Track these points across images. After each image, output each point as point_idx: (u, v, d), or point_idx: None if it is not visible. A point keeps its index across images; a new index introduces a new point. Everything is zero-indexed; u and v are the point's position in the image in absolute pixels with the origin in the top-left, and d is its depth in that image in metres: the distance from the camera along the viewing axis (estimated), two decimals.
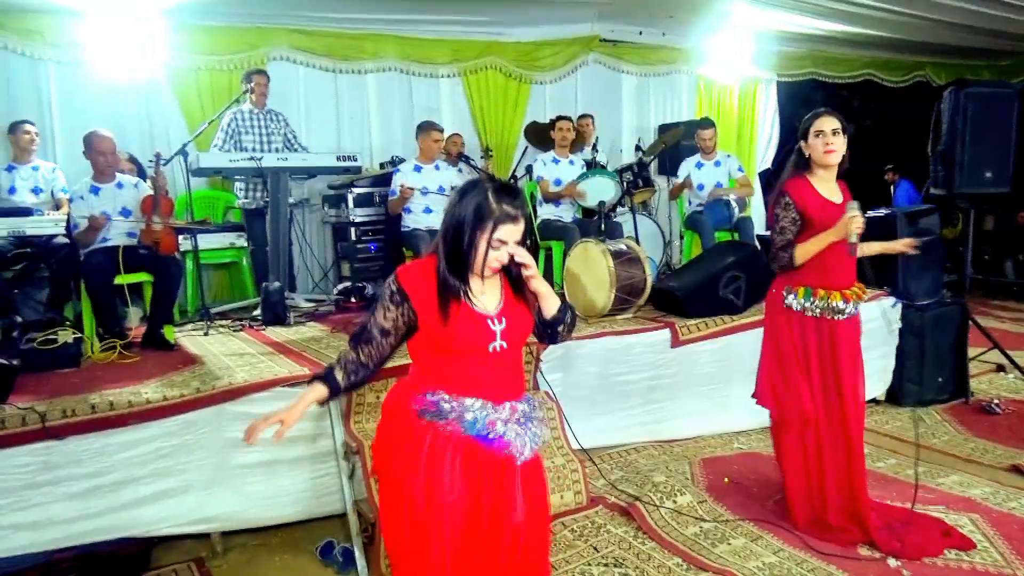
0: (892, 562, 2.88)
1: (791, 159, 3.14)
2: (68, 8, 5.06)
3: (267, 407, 3.21)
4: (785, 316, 3.09)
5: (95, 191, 4.27)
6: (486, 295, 1.94)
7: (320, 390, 1.95)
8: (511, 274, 1.98)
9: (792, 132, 3.13)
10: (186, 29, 5.54)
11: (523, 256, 1.89)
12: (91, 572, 2.98)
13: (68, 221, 4.12)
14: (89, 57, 5.23)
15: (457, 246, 1.84)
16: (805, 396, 3.04)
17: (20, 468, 2.81)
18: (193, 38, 5.62)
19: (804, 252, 2.96)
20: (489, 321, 1.90)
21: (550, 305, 1.99)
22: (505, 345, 1.91)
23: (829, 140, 2.93)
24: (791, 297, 3.06)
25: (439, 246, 1.90)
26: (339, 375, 1.96)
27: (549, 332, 2.05)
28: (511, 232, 1.85)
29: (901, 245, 3.20)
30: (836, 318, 3.02)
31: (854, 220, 2.86)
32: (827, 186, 3.01)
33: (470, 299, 1.89)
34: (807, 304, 3.02)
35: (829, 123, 2.95)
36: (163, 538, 3.22)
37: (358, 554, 3.08)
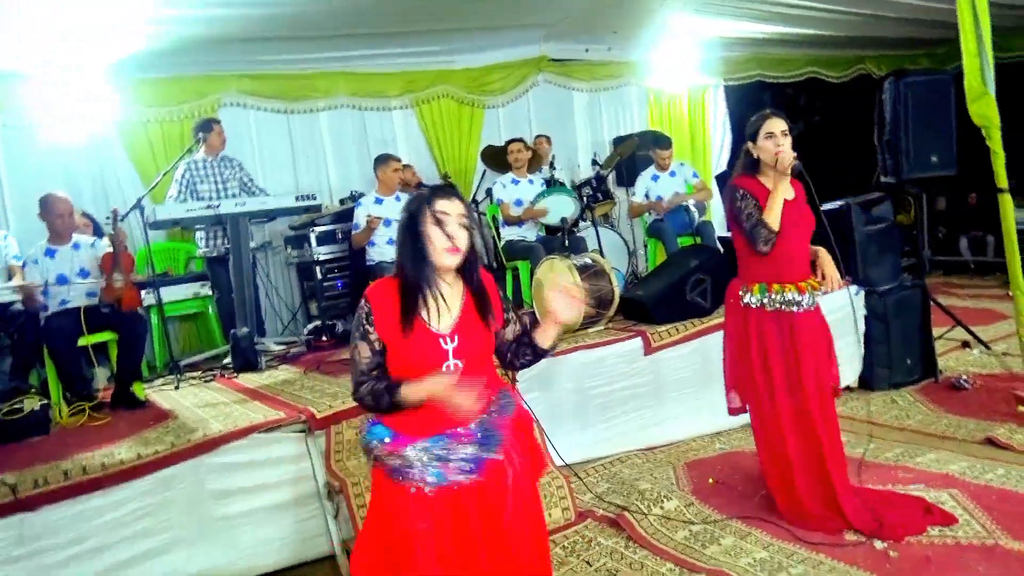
0: (878, 544, 2.92)
1: (739, 161, 3.22)
2: (12, 71, 5.01)
3: (245, 456, 3.20)
4: (743, 314, 3.14)
5: (50, 254, 4.21)
6: (443, 312, 1.94)
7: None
8: (475, 292, 2.00)
9: (744, 134, 3.23)
10: (132, 83, 5.52)
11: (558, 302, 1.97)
12: None
13: None
14: (37, 119, 5.18)
15: (412, 243, 1.90)
16: (761, 392, 3.10)
17: None
18: (140, 91, 5.60)
19: (770, 216, 3.01)
20: (440, 340, 1.91)
21: (551, 336, 2.04)
22: (460, 364, 1.91)
23: (779, 142, 3.02)
24: (748, 296, 3.12)
25: (398, 257, 1.94)
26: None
27: (521, 360, 2.10)
28: (449, 205, 1.91)
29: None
30: (794, 310, 3.08)
31: (780, 153, 2.95)
32: (773, 183, 3.08)
33: (427, 315, 1.90)
34: (764, 300, 3.08)
35: (778, 125, 3.05)
36: None
37: None
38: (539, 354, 2.09)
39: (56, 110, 5.15)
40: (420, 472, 1.89)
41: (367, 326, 1.91)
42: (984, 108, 3.95)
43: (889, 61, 9.31)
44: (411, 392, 1.85)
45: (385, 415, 1.95)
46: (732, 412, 3.35)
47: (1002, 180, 4.02)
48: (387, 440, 1.91)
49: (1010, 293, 6.65)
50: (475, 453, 1.93)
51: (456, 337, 1.92)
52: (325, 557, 3.32)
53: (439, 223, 1.89)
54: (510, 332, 2.11)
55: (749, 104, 9.11)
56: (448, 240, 1.89)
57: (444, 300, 1.95)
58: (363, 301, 1.94)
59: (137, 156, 5.70)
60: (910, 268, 6.48)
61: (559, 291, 2.00)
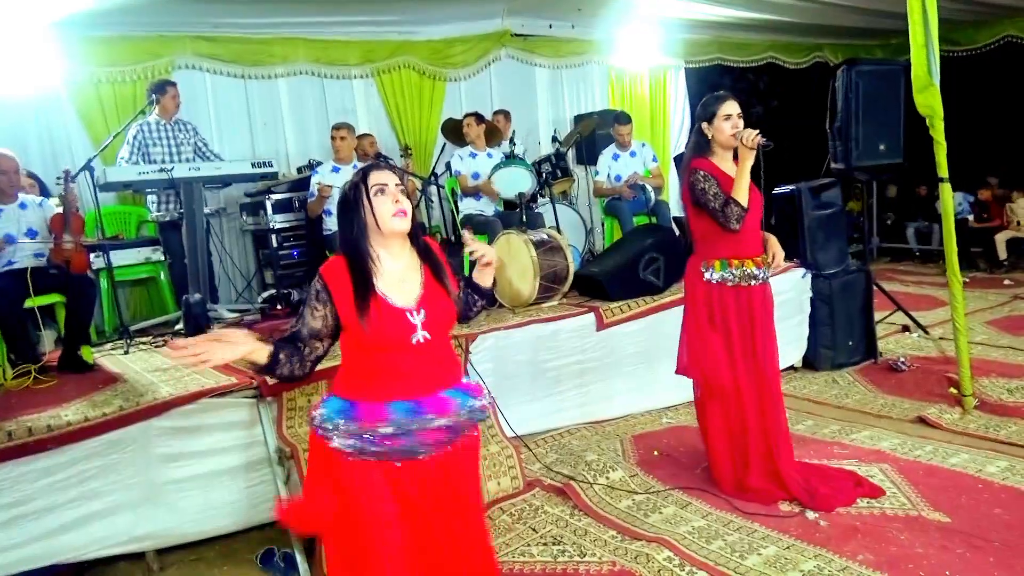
0: (810, 514, 3.06)
1: (693, 140, 3.28)
2: None
3: (195, 420, 3.20)
4: (705, 289, 3.23)
5: None
6: (405, 284, 1.97)
7: (264, 350, 1.84)
8: (432, 263, 2.03)
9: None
10: (81, 41, 5.35)
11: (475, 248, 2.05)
12: None
13: None
14: None
15: (355, 220, 1.95)
16: (724, 365, 3.19)
17: None
18: (89, 50, 5.43)
19: (740, 194, 3.08)
20: (408, 314, 1.93)
21: (489, 276, 2.14)
22: (428, 336, 1.94)
23: (736, 123, 3.10)
24: (708, 272, 3.21)
25: (341, 239, 1.98)
26: (282, 353, 1.89)
27: (474, 307, 2.18)
28: (383, 176, 1.96)
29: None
30: (751, 284, 3.19)
31: (748, 138, 3.04)
32: (728, 165, 3.16)
33: (387, 290, 1.93)
34: (726, 275, 3.18)
35: (734, 107, 3.14)
36: (95, 562, 3.14)
37: (300, 558, 3.08)
38: (485, 295, 2.17)
39: (1, 65, 4.97)
40: (390, 445, 1.90)
41: (316, 304, 1.93)
42: (929, 99, 4.08)
43: (845, 50, 9.50)
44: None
45: (338, 387, 1.97)
46: (698, 393, 3.43)
47: (943, 169, 4.16)
48: (354, 411, 1.91)
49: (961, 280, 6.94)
50: (448, 426, 1.95)
51: (422, 310, 1.95)
52: (274, 522, 3.34)
53: (381, 191, 1.94)
54: (460, 289, 2.16)
55: (709, 87, 9.20)
56: (394, 204, 1.93)
57: (400, 274, 1.98)
58: (317, 278, 1.95)
59: (87, 116, 5.54)
60: (858, 253, 6.69)
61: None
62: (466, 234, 2.21)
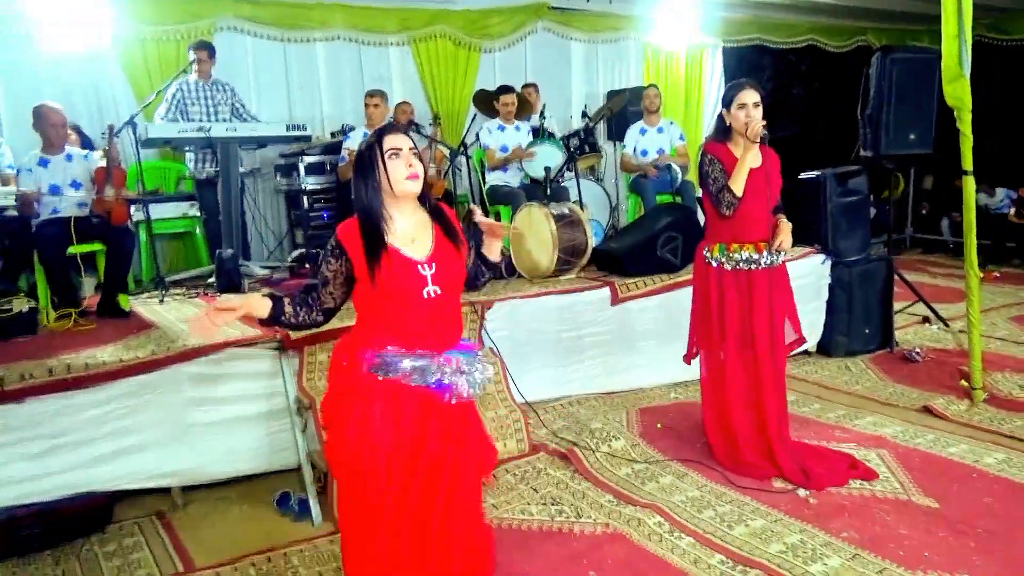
0: (802, 492, 3.17)
1: (715, 125, 3.36)
2: None
3: (222, 368, 3.39)
4: (704, 272, 3.34)
5: (44, 163, 4.31)
6: (417, 242, 2.08)
7: (264, 303, 2.03)
8: (443, 221, 2.15)
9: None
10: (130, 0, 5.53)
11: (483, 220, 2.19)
12: (54, 528, 3.11)
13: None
14: (34, 29, 5.21)
15: (369, 181, 2.04)
16: (717, 346, 3.30)
17: None
18: (138, 8, 5.61)
19: (736, 183, 3.17)
20: (419, 267, 2.04)
21: (497, 248, 2.25)
22: (439, 290, 2.05)
23: (750, 113, 3.15)
24: (708, 255, 3.32)
25: (356, 198, 2.07)
26: (286, 302, 2.07)
27: (482, 278, 2.31)
28: (397, 140, 2.04)
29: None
30: (752, 268, 3.27)
31: (751, 127, 3.12)
32: (743, 151, 3.22)
33: (395, 244, 2.04)
34: (723, 259, 3.27)
35: (751, 96, 3.18)
36: (124, 494, 3.36)
37: (312, 502, 3.27)
38: (493, 267, 2.32)
39: (53, 21, 5.17)
40: (405, 368, 2.03)
41: (329, 258, 2.07)
42: (958, 90, 4.08)
43: (890, 35, 9.33)
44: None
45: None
46: (687, 359, 3.58)
47: (967, 162, 4.16)
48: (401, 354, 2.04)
49: (981, 275, 6.91)
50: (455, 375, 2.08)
51: (433, 264, 2.05)
52: (291, 468, 3.54)
53: (396, 155, 2.03)
54: (470, 257, 2.27)
55: (749, 67, 9.15)
56: (407, 168, 2.03)
57: (412, 231, 2.09)
58: (333, 236, 2.08)
59: (132, 73, 5.74)
60: (894, 243, 6.63)
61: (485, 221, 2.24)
62: (475, 210, 2.34)
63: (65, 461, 3.09)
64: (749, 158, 3.17)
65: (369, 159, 2.05)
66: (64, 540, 3.11)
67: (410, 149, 2.05)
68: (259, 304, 2.03)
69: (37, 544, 3.06)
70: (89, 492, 3.16)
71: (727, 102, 3.23)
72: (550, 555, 2.81)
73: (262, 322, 2.08)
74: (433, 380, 2.05)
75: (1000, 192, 9.01)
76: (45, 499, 3.05)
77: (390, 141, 2.05)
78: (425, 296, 2.03)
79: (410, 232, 2.09)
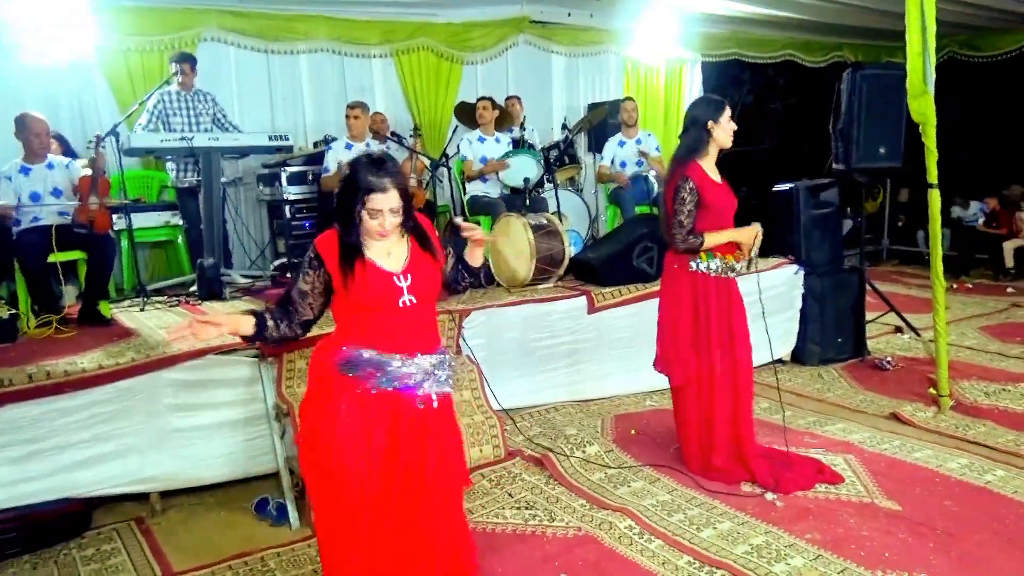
0: (769, 496, 3.25)
1: (693, 138, 3.38)
2: None
3: (202, 374, 3.43)
4: (689, 279, 3.39)
5: (25, 172, 4.33)
6: (392, 255, 2.15)
7: (248, 320, 2.07)
8: (418, 233, 2.22)
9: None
10: (114, 10, 5.58)
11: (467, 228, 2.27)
12: (32, 533, 3.14)
13: None
14: (17, 39, 5.24)
15: (345, 214, 2.08)
16: (689, 355, 3.40)
17: None
18: (121, 19, 5.66)
19: (712, 241, 3.31)
20: (395, 278, 2.11)
21: (479, 256, 2.38)
22: (415, 300, 2.12)
23: (734, 126, 3.31)
24: (695, 262, 3.37)
25: (337, 205, 2.12)
26: (267, 317, 2.11)
27: (463, 283, 2.40)
28: (381, 201, 2.05)
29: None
30: (731, 276, 3.39)
31: (757, 237, 3.31)
32: (711, 167, 3.37)
33: (371, 257, 2.10)
34: (712, 265, 3.36)
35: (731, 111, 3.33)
36: (103, 500, 3.40)
37: (290, 507, 3.32)
38: (474, 273, 2.40)
39: (36, 31, 5.21)
40: (375, 367, 2.09)
41: (307, 270, 2.12)
42: (923, 106, 4.20)
43: (865, 50, 9.53)
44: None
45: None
46: (673, 383, 3.62)
47: (932, 176, 4.28)
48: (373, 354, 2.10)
49: (953, 285, 7.03)
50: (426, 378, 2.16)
51: (409, 276, 2.12)
52: (269, 474, 3.58)
53: (374, 216, 2.06)
54: (449, 263, 2.35)
55: (728, 81, 9.31)
56: (380, 227, 2.07)
57: (387, 247, 2.14)
58: (312, 247, 2.13)
59: (115, 83, 5.78)
60: (870, 254, 6.75)
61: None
62: (459, 219, 2.42)
63: (45, 466, 3.12)
64: (729, 237, 3.33)
65: (352, 200, 2.06)
66: (42, 545, 3.15)
67: (391, 210, 2.07)
68: (243, 321, 2.07)
69: (15, 549, 3.09)
70: (69, 497, 3.19)
71: (716, 116, 3.31)
72: (522, 557, 2.87)
73: (245, 339, 2.12)
74: (397, 383, 2.10)
75: (973, 205, 9.21)
76: (25, 503, 3.08)
77: (372, 202, 2.05)
78: (401, 305, 2.10)
79: (385, 246, 2.15)
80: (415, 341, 2.15)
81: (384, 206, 2.06)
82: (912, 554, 2.76)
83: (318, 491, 2.20)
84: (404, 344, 2.13)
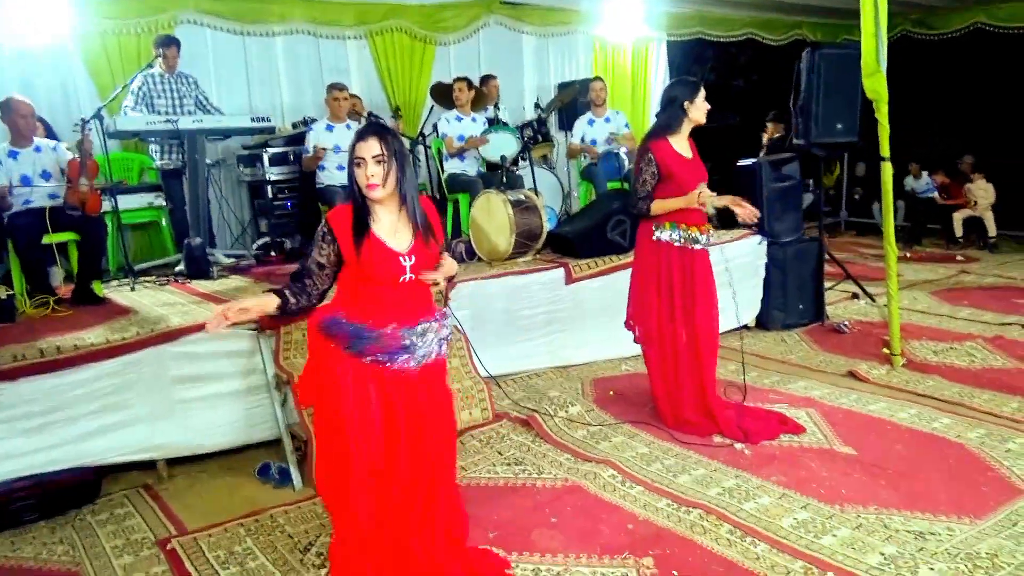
0: (738, 446, 3.54)
1: (668, 115, 3.63)
2: None
3: (204, 347, 3.61)
4: (653, 247, 3.67)
5: (13, 155, 4.42)
6: (399, 235, 2.33)
7: (272, 299, 2.24)
8: (421, 225, 2.39)
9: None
10: None
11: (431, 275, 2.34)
12: (47, 500, 3.29)
13: None
14: None
15: (350, 179, 2.29)
16: (653, 317, 3.69)
17: None
18: (99, 3, 5.68)
19: (659, 207, 3.58)
20: (400, 257, 2.30)
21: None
22: (413, 277, 2.32)
23: (707, 106, 3.57)
24: (660, 231, 3.64)
25: (349, 184, 2.30)
26: (288, 293, 2.29)
27: None
28: (363, 147, 2.23)
29: (743, 211, 3.64)
30: (694, 247, 3.64)
31: (701, 196, 3.51)
32: (682, 143, 3.61)
33: (384, 235, 2.28)
34: (674, 235, 3.61)
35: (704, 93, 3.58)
36: (111, 469, 3.56)
37: (293, 470, 3.52)
38: None
39: (12, 15, 5.23)
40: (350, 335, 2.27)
41: (321, 244, 2.29)
42: (876, 84, 4.48)
43: (824, 29, 9.83)
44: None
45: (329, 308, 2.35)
46: (637, 340, 3.90)
47: (884, 150, 4.58)
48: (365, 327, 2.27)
49: (907, 254, 7.41)
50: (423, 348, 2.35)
51: (413, 256, 2.32)
52: (269, 441, 3.78)
53: (358, 164, 2.25)
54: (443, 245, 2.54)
55: (692, 59, 9.57)
56: (367, 177, 2.24)
57: (393, 226, 2.33)
58: (324, 222, 2.31)
59: (94, 67, 5.83)
60: (828, 226, 7.05)
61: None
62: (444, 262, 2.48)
63: (57, 436, 3.28)
64: (679, 204, 3.57)
65: (351, 160, 2.27)
66: (57, 512, 3.30)
67: (373, 157, 2.23)
68: (268, 302, 2.25)
69: (32, 515, 3.24)
70: (80, 465, 3.35)
71: (692, 95, 3.56)
72: (515, 506, 3.11)
73: (271, 317, 2.29)
74: (368, 356, 2.28)
75: (926, 177, 9.62)
76: (39, 472, 3.23)
77: (357, 150, 2.24)
78: (401, 281, 2.30)
79: (391, 227, 2.33)
80: (410, 311, 2.34)
81: (366, 153, 2.22)
82: (867, 490, 3.07)
83: (327, 447, 2.38)
84: (399, 316, 2.31)
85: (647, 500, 3.08)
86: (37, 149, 4.52)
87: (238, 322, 2.20)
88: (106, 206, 4.99)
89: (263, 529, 3.08)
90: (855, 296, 6.49)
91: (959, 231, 9.02)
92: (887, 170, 4.65)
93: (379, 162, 2.23)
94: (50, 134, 5.26)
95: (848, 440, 3.57)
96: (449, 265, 2.44)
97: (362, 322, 2.29)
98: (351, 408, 2.29)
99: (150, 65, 5.32)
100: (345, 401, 2.29)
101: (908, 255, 8.37)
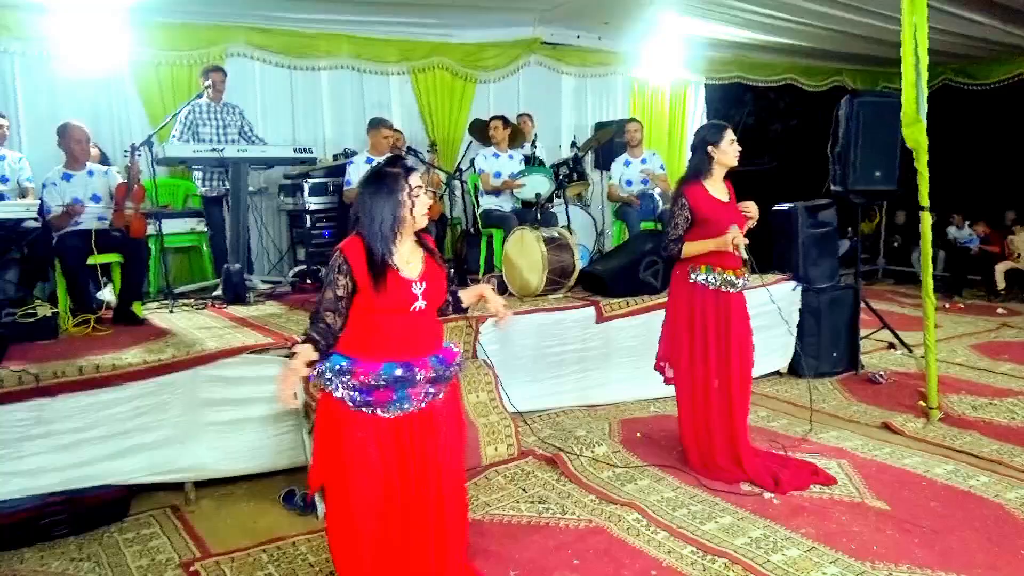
0: (767, 494, 3.48)
1: (696, 160, 3.67)
2: (34, 3, 5.33)
3: (236, 372, 3.66)
4: (689, 289, 3.66)
5: (67, 178, 4.59)
6: (411, 263, 2.36)
7: (308, 348, 2.28)
8: (429, 249, 2.44)
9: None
10: (147, 26, 5.85)
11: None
12: (78, 516, 3.34)
13: (41, 206, 4.46)
14: (55, 51, 5.52)
15: (385, 207, 2.28)
16: (685, 359, 3.66)
17: (16, 422, 3.20)
18: (154, 34, 5.93)
19: (690, 250, 3.58)
20: (413, 285, 2.33)
21: (471, 299, 2.63)
22: (424, 305, 2.35)
23: (737, 148, 3.56)
24: (695, 274, 3.63)
25: (362, 224, 2.30)
26: (316, 336, 2.31)
27: (448, 311, 2.62)
28: (420, 178, 2.35)
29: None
30: (730, 291, 3.63)
31: (736, 238, 3.49)
32: (718, 187, 3.61)
33: (395, 265, 2.30)
34: (709, 278, 3.61)
35: (733, 134, 3.60)
36: (141, 488, 3.61)
37: (318, 499, 3.53)
38: (462, 310, 2.64)
39: (73, 44, 5.48)
40: (381, 399, 2.29)
41: (338, 275, 2.29)
42: (916, 133, 4.45)
43: (864, 76, 9.82)
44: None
45: (339, 346, 2.35)
46: (667, 381, 3.87)
47: (924, 199, 4.54)
48: (351, 365, 2.29)
49: (946, 305, 7.29)
50: (429, 384, 2.36)
51: (424, 282, 2.35)
52: (295, 468, 3.80)
53: (419, 194, 2.32)
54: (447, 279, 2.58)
55: (730, 103, 9.58)
56: (425, 206, 2.34)
57: (407, 254, 2.36)
58: (338, 253, 2.31)
59: (146, 95, 6.05)
60: (865, 274, 6.97)
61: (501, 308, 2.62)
62: (494, 295, 2.65)
63: (91, 453, 3.34)
64: (709, 247, 3.56)
65: (393, 190, 2.29)
66: (86, 528, 3.34)
67: (428, 187, 2.38)
68: (306, 352, 2.29)
69: (63, 530, 3.29)
70: (111, 484, 3.41)
71: (717, 139, 3.59)
72: (537, 545, 3.08)
73: (314, 364, 2.33)
74: (408, 403, 2.33)
75: (966, 226, 9.48)
76: (72, 488, 3.29)
77: (416, 180, 2.33)
78: (412, 310, 2.32)
79: (405, 255, 2.36)
80: (420, 343, 2.36)
81: (423, 183, 2.34)
82: (899, 548, 2.99)
83: (330, 492, 2.42)
84: (410, 345, 2.32)
85: (672, 546, 3.03)
86: (90, 173, 4.68)
87: (296, 382, 2.31)
88: (151, 230, 5.16)
89: (285, 557, 3.09)
90: (891, 346, 6.38)
91: (1001, 283, 8.84)
92: (926, 220, 4.60)
93: (427, 191, 2.35)
94: (105, 159, 5.46)
95: (881, 494, 3.48)
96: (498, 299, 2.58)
97: (367, 356, 2.30)
98: (352, 458, 2.31)
99: (199, 96, 5.50)
100: (347, 452, 2.31)
101: (947, 306, 8.22)
